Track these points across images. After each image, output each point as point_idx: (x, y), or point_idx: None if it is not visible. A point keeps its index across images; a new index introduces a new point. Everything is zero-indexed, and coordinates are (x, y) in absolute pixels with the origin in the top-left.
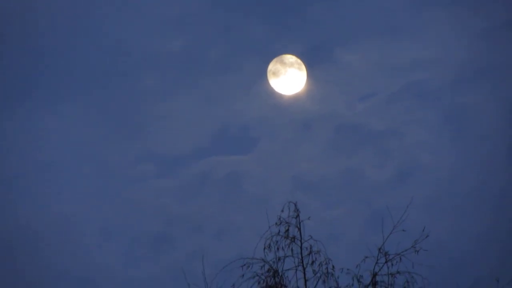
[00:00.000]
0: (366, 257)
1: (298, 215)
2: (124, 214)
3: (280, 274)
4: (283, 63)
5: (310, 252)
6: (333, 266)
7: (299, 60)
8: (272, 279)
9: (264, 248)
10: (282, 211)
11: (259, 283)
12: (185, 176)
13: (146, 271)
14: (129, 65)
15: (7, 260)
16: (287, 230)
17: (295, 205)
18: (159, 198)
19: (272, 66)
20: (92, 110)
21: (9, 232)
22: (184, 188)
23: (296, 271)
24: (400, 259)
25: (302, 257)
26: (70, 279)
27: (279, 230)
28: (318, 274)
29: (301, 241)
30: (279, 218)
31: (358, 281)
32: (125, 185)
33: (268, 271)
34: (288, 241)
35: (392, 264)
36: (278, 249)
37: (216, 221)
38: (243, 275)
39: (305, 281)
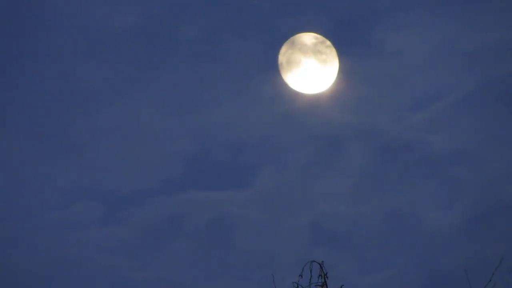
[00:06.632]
0: None
1: (325, 283)
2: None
3: None
4: (301, 46)
5: None
6: None
7: (327, 42)
8: None
9: None
10: (301, 276)
11: None
12: (144, 222)
13: None
14: (56, 48)
15: None
16: None
17: (321, 266)
18: (103, 255)
19: (285, 52)
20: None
21: None
22: (143, 240)
23: None
24: None
25: None
26: None
27: None
28: None
29: None
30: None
31: None
32: (50, 235)
33: None
34: None
35: None
36: None
37: None
38: None
39: None
